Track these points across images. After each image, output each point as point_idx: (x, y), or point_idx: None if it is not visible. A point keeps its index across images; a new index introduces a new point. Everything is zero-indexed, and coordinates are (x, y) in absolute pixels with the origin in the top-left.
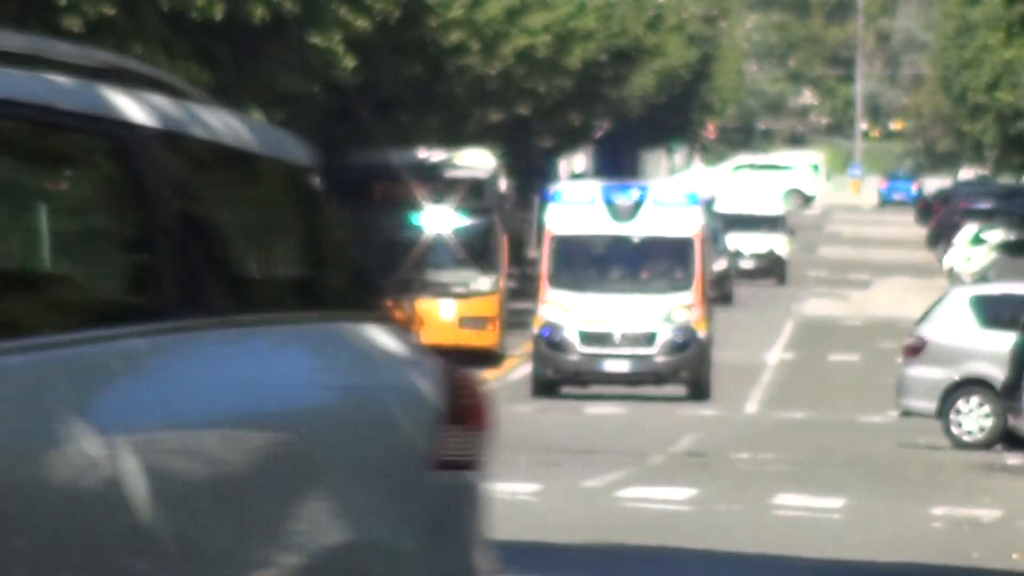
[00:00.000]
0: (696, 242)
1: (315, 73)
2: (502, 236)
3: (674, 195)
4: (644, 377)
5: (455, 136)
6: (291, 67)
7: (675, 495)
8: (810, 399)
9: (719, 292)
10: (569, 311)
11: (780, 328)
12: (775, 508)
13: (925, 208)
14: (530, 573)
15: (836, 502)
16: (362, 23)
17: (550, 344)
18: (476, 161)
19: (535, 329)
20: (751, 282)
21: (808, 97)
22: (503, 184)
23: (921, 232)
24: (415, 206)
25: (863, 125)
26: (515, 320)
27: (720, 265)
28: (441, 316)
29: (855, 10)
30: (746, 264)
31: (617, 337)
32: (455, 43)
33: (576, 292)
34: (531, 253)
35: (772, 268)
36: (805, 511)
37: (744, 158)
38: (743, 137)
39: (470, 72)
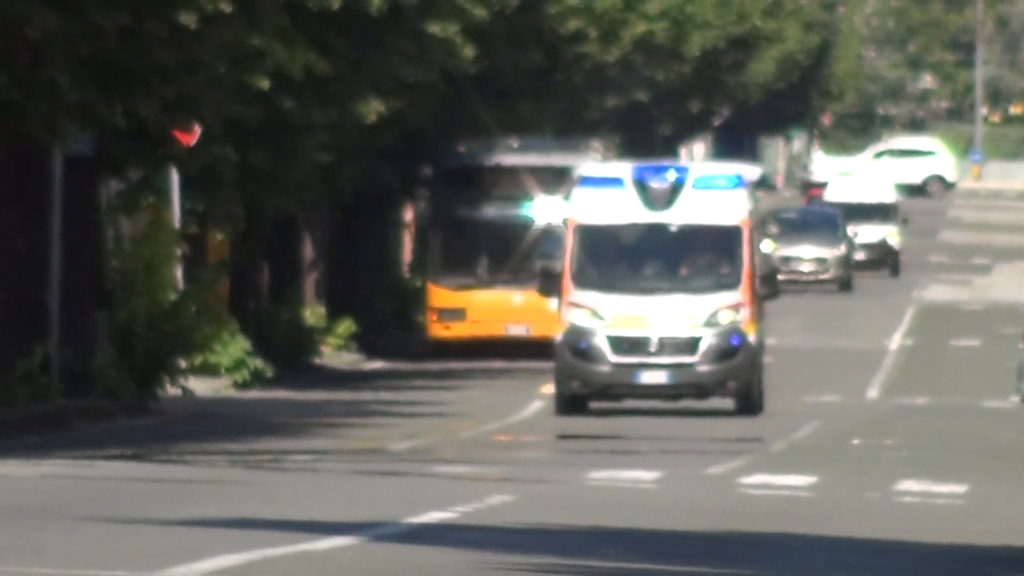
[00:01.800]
0: (744, 231)
1: (433, 62)
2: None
3: (717, 177)
4: (685, 389)
5: (574, 124)
6: (409, 56)
7: (797, 482)
8: (931, 385)
9: (773, 290)
10: (597, 314)
11: (901, 314)
12: (897, 494)
13: None
14: (650, 559)
15: (958, 488)
16: (480, 12)
17: (576, 353)
18: (585, 151)
19: (557, 336)
20: (861, 273)
21: (928, 82)
22: None
23: None
24: (526, 197)
25: (983, 110)
26: None
27: (840, 251)
28: (551, 308)
29: None
30: (857, 255)
31: (654, 344)
32: (573, 31)
33: (605, 292)
34: None
35: (884, 259)
36: (927, 497)
37: (885, 144)
38: (862, 123)
39: (588, 60)
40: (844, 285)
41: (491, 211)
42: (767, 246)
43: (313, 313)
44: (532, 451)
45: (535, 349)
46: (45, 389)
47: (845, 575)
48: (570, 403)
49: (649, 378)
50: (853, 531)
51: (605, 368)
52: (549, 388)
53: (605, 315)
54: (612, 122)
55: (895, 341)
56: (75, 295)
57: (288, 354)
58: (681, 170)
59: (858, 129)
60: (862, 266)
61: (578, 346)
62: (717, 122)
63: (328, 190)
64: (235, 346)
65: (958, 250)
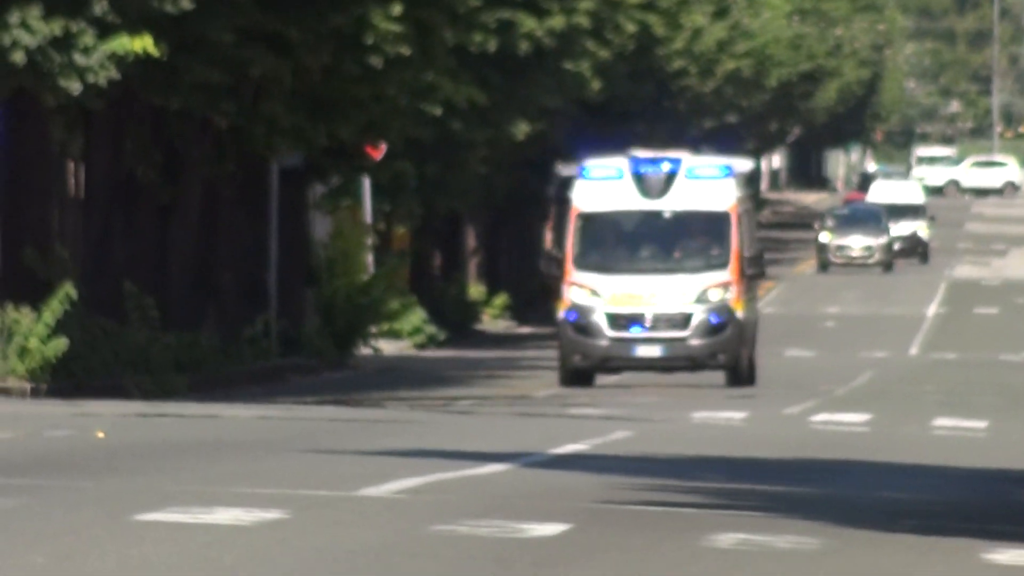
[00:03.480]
0: (732, 216)
1: (568, 93)
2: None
3: (708, 167)
4: (678, 362)
5: (678, 141)
6: (549, 88)
7: (855, 419)
8: (960, 343)
9: (759, 270)
10: (597, 293)
11: (936, 288)
12: (934, 429)
13: None
14: (742, 481)
15: (981, 423)
16: (605, 53)
17: (577, 329)
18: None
19: (560, 313)
20: (897, 260)
21: (955, 107)
22: None
23: None
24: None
25: (999, 128)
26: None
27: (883, 240)
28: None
29: (992, 38)
30: (894, 246)
31: (648, 320)
32: (678, 68)
33: (604, 273)
34: None
35: (915, 248)
36: (957, 431)
37: (975, 157)
38: (904, 139)
39: (690, 91)
40: (887, 268)
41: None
42: (825, 236)
43: (475, 289)
44: (646, 397)
45: None
46: (265, 351)
47: (893, 492)
48: (573, 375)
49: (644, 351)
50: (899, 458)
51: (604, 342)
52: None
53: (603, 294)
54: (709, 139)
55: (931, 309)
56: (289, 277)
57: (456, 322)
58: (675, 162)
59: (901, 144)
60: (898, 255)
61: (579, 322)
62: (791, 139)
63: (486, 193)
64: (414, 316)
65: (980, 238)
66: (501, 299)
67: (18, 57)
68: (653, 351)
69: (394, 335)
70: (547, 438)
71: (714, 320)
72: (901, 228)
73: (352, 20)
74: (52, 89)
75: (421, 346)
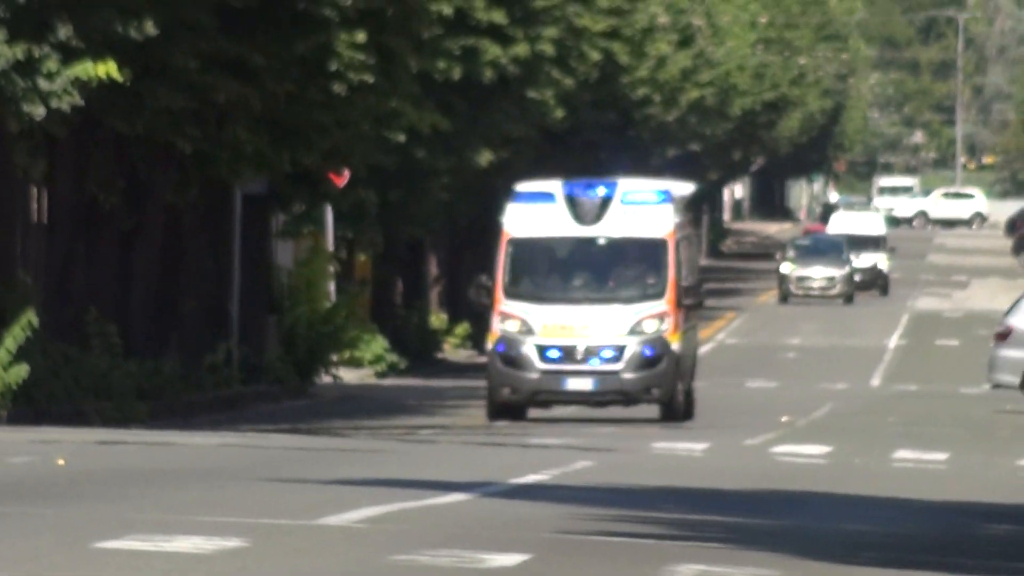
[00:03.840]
0: (669, 243)
1: (532, 121)
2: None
3: (644, 193)
4: (610, 396)
5: (641, 169)
6: (513, 116)
7: (816, 451)
8: (921, 375)
9: (697, 299)
10: (527, 323)
11: (898, 319)
12: (894, 461)
13: (1011, 225)
14: (702, 512)
15: (942, 455)
16: (568, 81)
17: (505, 361)
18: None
19: (488, 344)
20: (856, 293)
21: (919, 137)
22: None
23: (1008, 243)
24: None
25: (962, 159)
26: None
27: (845, 271)
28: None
29: (956, 69)
30: (855, 277)
31: (580, 352)
32: (642, 96)
33: (535, 303)
34: (701, 261)
35: (875, 281)
36: (917, 463)
37: (944, 189)
38: (867, 169)
39: (654, 119)
40: (848, 299)
41: None
42: (787, 267)
43: (437, 318)
44: (607, 427)
45: None
46: (227, 378)
47: (853, 524)
48: (501, 409)
49: (575, 385)
50: (860, 490)
51: (533, 375)
52: None
53: (534, 324)
54: (672, 168)
55: (893, 341)
56: (251, 304)
57: (417, 350)
58: (610, 186)
59: (864, 174)
60: (858, 287)
61: (508, 354)
62: (754, 168)
63: (449, 221)
64: (375, 344)
65: (942, 269)
66: (462, 328)
67: None
68: (585, 385)
69: (355, 363)
70: (508, 468)
71: (648, 353)
72: (861, 260)
73: (316, 47)
74: (15, 114)
75: (382, 374)
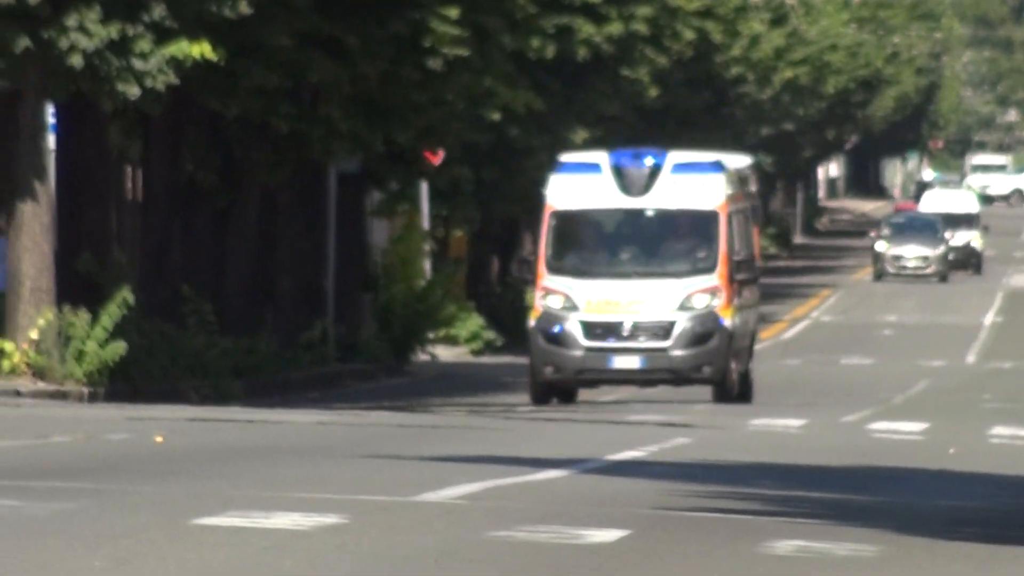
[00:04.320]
0: (720, 216)
1: (626, 99)
2: (753, 227)
3: (695, 162)
4: (659, 375)
5: (736, 148)
6: (607, 95)
7: (912, 428)
8: (1017, 352)
9: (750, 274)
10: (571, 300)
11: (993, 297)
12: (990, 437)
13: None
14: (799, 488)
15: None
16: (663, 60)
17: (549, 339)
18: (736, 163)
19: (531, 321)
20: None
21: (1012, 115)
22: (754, 183)
23: None
24: None
25: None
26: (777, 292)
27: (939, 251)
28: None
29: None
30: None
31: (626, 328)
32: (736, 75)
33: (579, 278)
34: (796, 239)
35: (968, 259)
36: (1013, 439)
37: None
38: (961, 148)
39: (747, 98)
40: (942, 278)
41: None
42: (881, 245)
43: (532, 295)
44: (706, 403)
45: None
46: (323, 356)
47: (951, 500)
48: (545, 389)
49: (622, 363)
50: (956, 466)
51: (578, 353)
52: None
53: (578, 300)
54: (766, 146)
55: (988, 318)
56: (347, 282)
57: (513, 327)
58: (659, 156)
59: (957, 152)
60: (951, 265)
61: (550, 331)
62: (848, 146)
63: (544, 199)
64: (471, 322)
65: None
66: None
67: (76, 60)
68: (631, 363)
69: (451, 341)
70: (605, 444)
71: (699, 329)
72: (955, 239)
73: (410, 25)
74: (110, 93)
75: (478, 352)
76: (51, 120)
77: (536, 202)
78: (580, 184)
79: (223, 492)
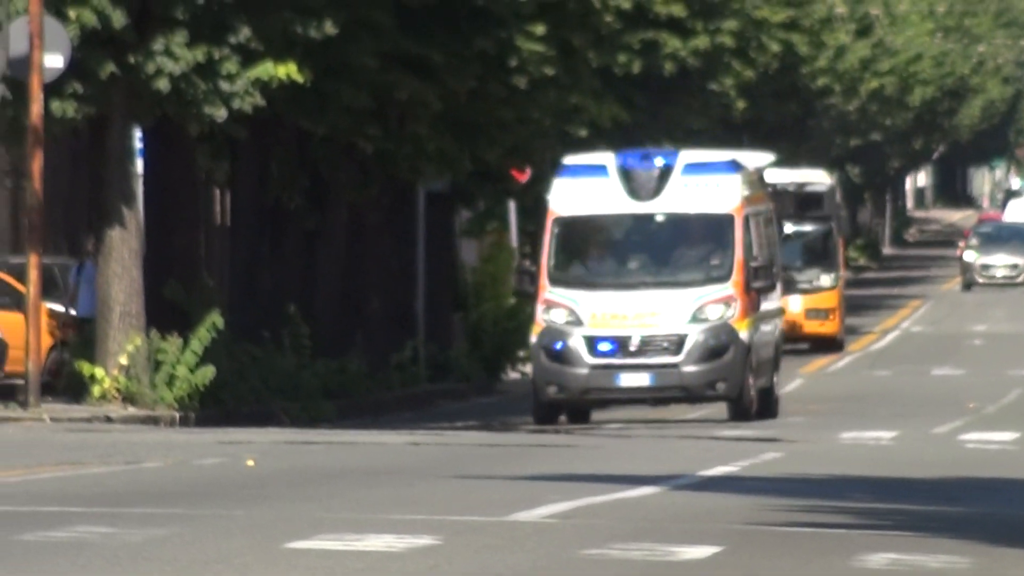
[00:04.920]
0: (736, 219)
1: (713, 113)
2: (839, 240)
3: (708, 163)
4: (670, 393)
5: (822, 159)
6: (694, 109)
7: (1005, 438)
8: None
9: (768, 282)
10: (575, 313)
11: None
12: None
13: None
14: (892, 501)
15: None
16: (749, 73)
17: (551, 355)
18: (816, 178)
19: (532, 337)
20: None
21: None
22: (838, 196)
23: None
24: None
25: None
26: (867, 303)
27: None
28: (791, 309)
29: None
30: None
31: (635, 343)
32: (822, 87)
33: (583, 289)
34: (885, 250)
35: None
36: None
37: None
38: None
39: (834, 109)
40: None
41: None
42: (970, 255)
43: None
44: (795, 417)
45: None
46: (414, 376)
47: None
48: (548, 410)
49: (630, 380)
50: None
51: (582, 371)
52: (811, 367)
53: (583, 314)
54: (853, 158)
55: None
56: (436, 302)
57: None
58: (669, 156)
59: None
60: None
61: (553, 348)
62: (936, 156)
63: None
64: None
65: None
66: None
67: (162, 84)
68: (640, 380)
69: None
70: (697, 460)
71: (712, 342)
72: None
73: (496, 42)
74: (196, 116)
75: None
76: (138, 144)
77: None
78: (585, 188)
79: (315, 515)
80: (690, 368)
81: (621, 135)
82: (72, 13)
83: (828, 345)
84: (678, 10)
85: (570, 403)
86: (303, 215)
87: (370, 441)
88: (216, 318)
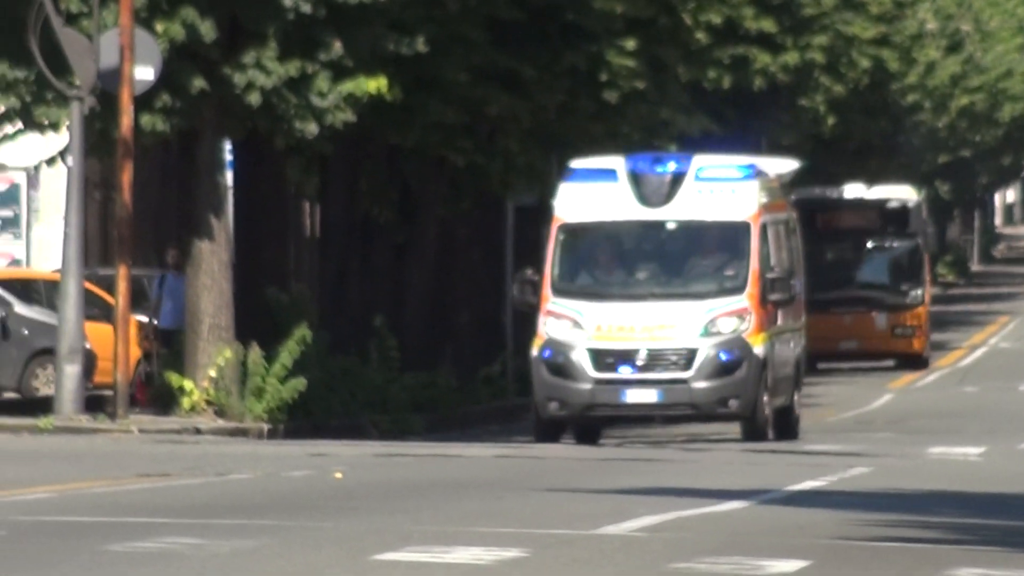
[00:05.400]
0: (752, 228)
1: (803, 128)
2: (925, 256)
3: (724, 168)
4: (679, 410)
5: (912, 176)
6: (784, 124)
7: None
8: None
9: (787, 294)
10: (579, 325)
11: None
12: None
13: None
14: (979, 516)
15: None
16: (839, 89)
17: (553, 369)
18: (902, 194)
19: (533, 351)
20: None
21: None
22: (925, 212)
23: None
24: (856, 232)
25: None
26: (954, 319)
27: None
28: (877, 326)
29: None
30: None
31: (642, 357)
32: (912, 103)
33: (588, 300)
34: (973, 267)
35: None
36: None
37: None
38: None
39: (924, 125)
40: None
41: (825, 244)
42: None
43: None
44: (883, 433)
45: (865, 359)
46: (502, 389)
47: None
48: (549, 428)
49: (636, 397)
50: None
51: (585, 386)
52: (899, 383)
53: (587, 325)
54: (942, 174)
55: None
56: (525, 315)
57: None
58: (683, 161)
59: None
60: None
61: (555, 361)
62: None
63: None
64: None
65: None
66: None
67: (253, 98)
68: (647, 396)
69: None
70: (785, 475)
71: (725, 358)
72: None
73: (587, 57)
74: (287, 131)
75: None
76: (228, 157)
77: None
78: (593, 193)
79: (403, 527)
80: (700, 384)
81: (710, 149)
82: (160, 27)
83: (914, 362)
84: (768, 26)
85: (572, 420)
86: (392, 228)
87: (458, 454)
88: (306, 331)
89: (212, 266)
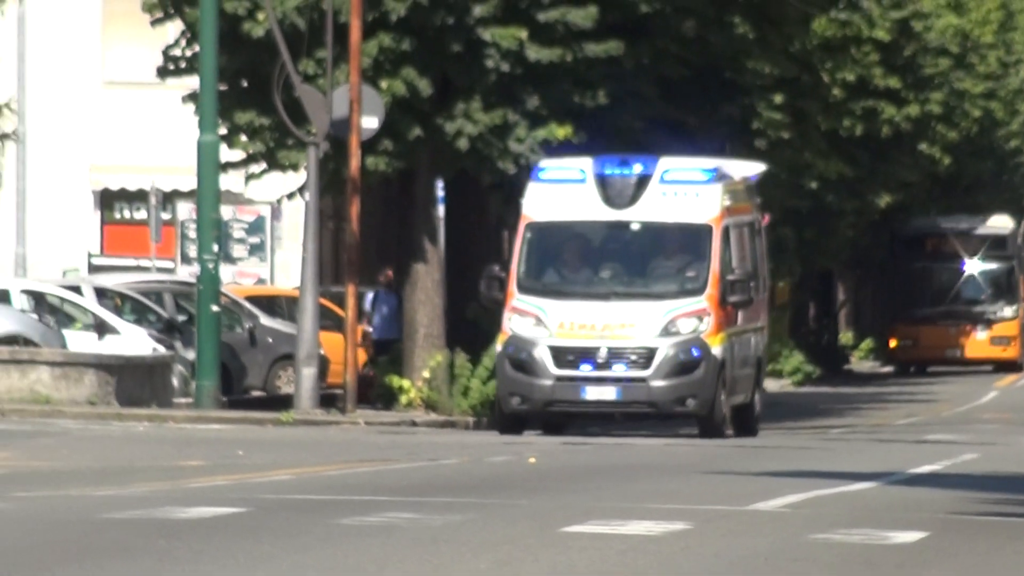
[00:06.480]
0: (714, 230)
1: (923, 169)
2: (1020, 276)
3: (689, 171)
4: (637, 407)
5: (1014, 208)
6: (907, 165)
7: None
8: None
9: (745, 296)
10: (542, 322)
11: None
12: None
13: None
14: None
15: None
16: (953, 135)
17: (515, 365)
18: (1001, 223)
19: (497, 346)
20: None
21: None
22: (1020, 238)
23: None
24: (959, 256)
25: None
26: None
27: None
28: (977, 336)
29: None
30: None
31: (602, 355)
32: (1014, 147)
33: (551, 298)
34: None
35: None
36: None
37: None
38: None
39: None
40: None
41: (931, 267)
42: None
43: (845, 335)
44: (991, 424)
45: (967, 365)
46: None
47: None
48: (511, 422)
49: (596, 394)
50: None
51: (547, 382)
52: (1003, 382)
53: (550, 323)
54: None
55: None
56: None
57: (829, 362)
58: (648, 163)
59: None
60: None
61: (518, 357)
62: None
63: (855, 254)
64: (794, 358)
65: None
66: (867, 343)
67: (462, 144)
68: (606, 394)
69: (777, 374)
70: (906, 460)
71: (683, 357)
72: None
73: (741, 109)
74: (491, 170)
75: (799, 383)
76: (440, 193)
77: (847, 256)
78: (560, 194)
79: (587, 504)
80: (659, 383)
81: (845, 186)
82: (384, 83)
83: (1009, 367)
84: (894, 83)
85: (533, 415)
86: None
87: (632, 443)
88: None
89: (427, 284)
